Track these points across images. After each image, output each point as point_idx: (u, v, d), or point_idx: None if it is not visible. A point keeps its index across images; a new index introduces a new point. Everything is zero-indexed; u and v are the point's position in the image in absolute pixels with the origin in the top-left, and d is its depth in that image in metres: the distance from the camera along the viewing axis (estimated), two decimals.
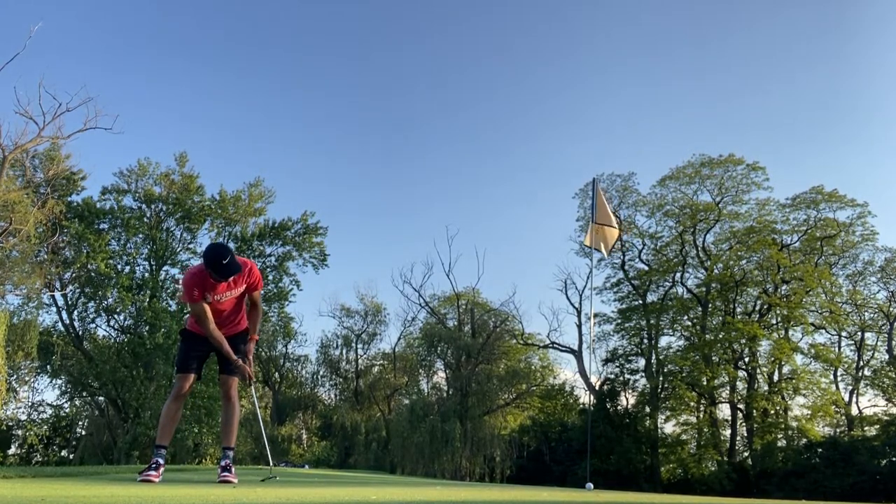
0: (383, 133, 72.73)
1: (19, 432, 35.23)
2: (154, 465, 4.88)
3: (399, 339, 45.02)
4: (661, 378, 40.18)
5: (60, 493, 3.31)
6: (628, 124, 70.06)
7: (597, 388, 40.01)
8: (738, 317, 39.58)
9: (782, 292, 40.07)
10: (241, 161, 69.18)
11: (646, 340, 42.22)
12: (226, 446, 5.29)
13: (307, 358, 46.25)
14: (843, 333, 41.66)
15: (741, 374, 39.37)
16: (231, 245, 38.23)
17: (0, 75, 29.42)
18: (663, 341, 42.54)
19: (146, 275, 35.76)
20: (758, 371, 39.27)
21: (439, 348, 41.02)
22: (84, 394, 36.61)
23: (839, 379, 40.54)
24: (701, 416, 40.26)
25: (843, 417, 38.99)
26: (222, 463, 5.18)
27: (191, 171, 36.72)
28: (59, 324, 34.27)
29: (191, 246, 37.86)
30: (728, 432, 39.30)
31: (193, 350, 5.31)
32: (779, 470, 34.10)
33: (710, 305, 40.71)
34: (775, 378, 39.38)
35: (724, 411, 40.69)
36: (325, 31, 70.52)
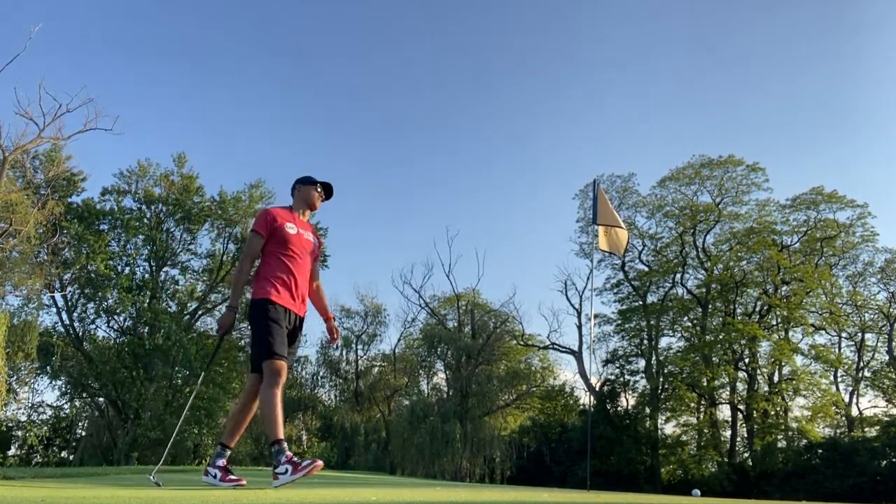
0: (383, 133, 72.79)
1: (19, 433, 35.19)
2: (224, 467, 4.51)
3: (399, 339, 45.06)
4: (661, 379, 40.18)
5: (60, 493, 3.31)
6: (628, 125, 70.13)
7: (597, 388, 40.00)
8: (739, 317, 39.59)
9: (782, 293, 40.08)
10: (242, 162, 69.28)
11: (646, 341, 42.22)
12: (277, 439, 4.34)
13: (307, 359, 46.24)
14: (844, 334, 41.69)
15: (741, 374, 39.38)
16: (231, 247, 38.23)
17: (0, 76, 29.43)
18: (663, 342, 42.61)
19: (146, 276, 35.75)
20: (758, 372, 39.27)
21: (439, 349, 41.03)
22: (84, 395, 36.58)
23: (839, 380, 40.58)
24: (701, 416, 40.25)
25: (844, 418, 38.99)
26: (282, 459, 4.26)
27: (190, 172, 36.71)
28: (59, 325, 34.25)
29: (191, 247, 37.85)
30: (728, 433, 39.31)
31: (282, 328, 4.49)
32: (779, 471, 34.09)
33: (710, 306, 40.71)
34: (775, 379, 39.39)
35: (724, 412, 40.74)
36: (325, 31, 70.61)
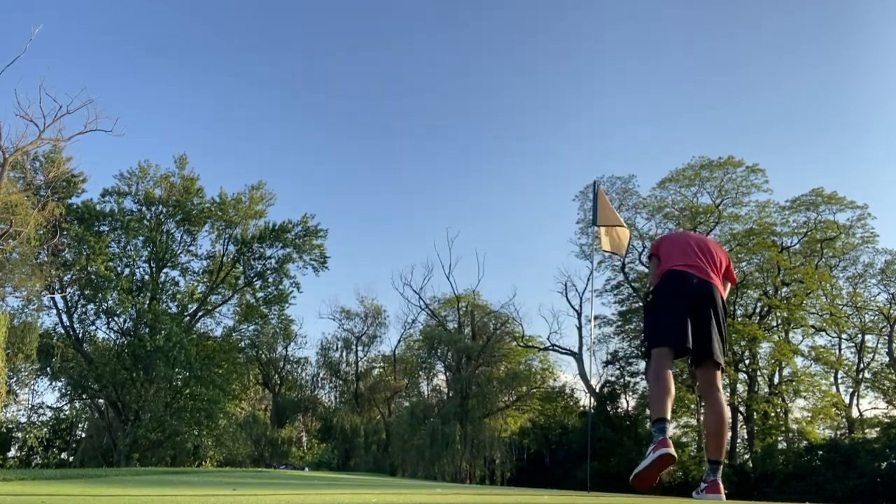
0: (384, 135, 72.83)
1: (19, 435, 35.22)
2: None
3: (399, 341, 45.04)
4: None
5: (61, 494, 3.31)
6: (628, 126, 70.12)
7: (597, 390, 39.97)
8: (739, 319, 39.54)
9: (783, 294, 40.05)
10: (242, 163, 69.25)
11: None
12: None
13: (307, 360, 46.29)
14: (844, 335, 41.64)
15: (742, 376, 39.33)
16: (231, 248, 38.21)
17: (1, 77, 29.45)
18: None
19: (146, 277, 35.76)
20: (758, 373, 39.23)
21: (439, 351, 41.00)
22: (84, 396, 36.59)
23: (839, 381, 40.54)
24: (701, 418, 40.21)
25: (844, 420, 38.95)
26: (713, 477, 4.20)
27: (191, 174, 36.73)
28: (59, 326, 34.28)
29: (191, 248, 37.86)
30: (728, 435, 39.28)
31: None
32: (779, 472, 34.06)
33: None
34: (776, 380, 39.35)
35: None
36: (326, 32, 70.69)
